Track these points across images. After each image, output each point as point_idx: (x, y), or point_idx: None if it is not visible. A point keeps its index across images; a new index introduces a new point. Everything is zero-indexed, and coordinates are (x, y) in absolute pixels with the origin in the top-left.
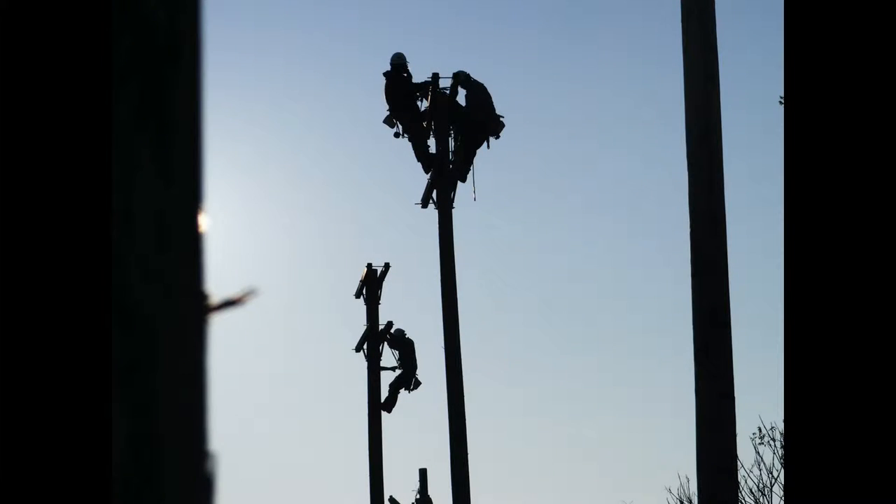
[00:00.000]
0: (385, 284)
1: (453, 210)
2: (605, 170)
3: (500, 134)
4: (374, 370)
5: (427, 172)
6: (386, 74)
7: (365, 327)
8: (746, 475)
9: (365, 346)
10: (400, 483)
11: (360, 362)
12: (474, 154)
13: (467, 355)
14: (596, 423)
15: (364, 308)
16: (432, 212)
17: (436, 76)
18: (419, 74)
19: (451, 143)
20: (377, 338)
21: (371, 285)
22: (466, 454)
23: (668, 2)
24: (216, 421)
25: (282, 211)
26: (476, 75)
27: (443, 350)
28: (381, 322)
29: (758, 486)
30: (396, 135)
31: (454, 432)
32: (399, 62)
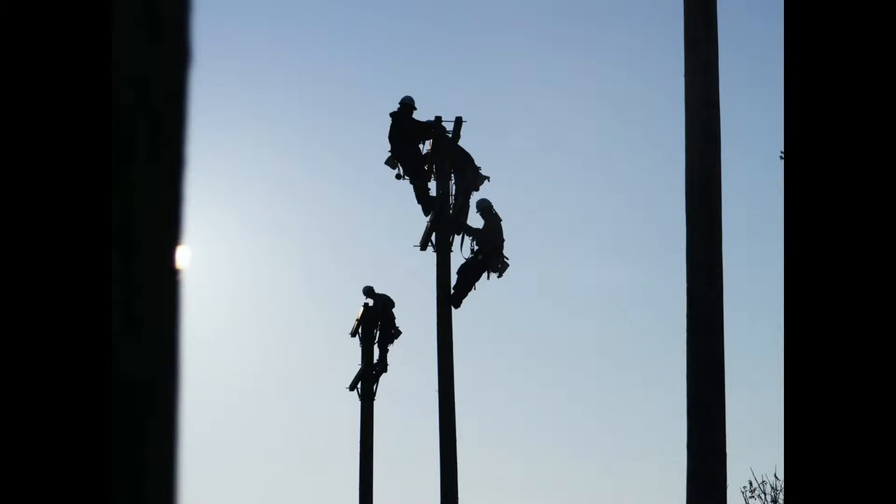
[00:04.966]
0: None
1: (451, 253)
2: (604, 187)
3: (503, 274)
4: (368, 408)
5: (427, 215)
6: (392, 115)
7: (359, 367)
8: None
9: (359, 386)
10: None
11: (354, 401)
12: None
13: (462, 362)
14: (596, 423)
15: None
16: (431, 254)
17: (438, 119)
18: (422, 115)
19: (452, 187)
20: (371, 377)
21: (367, 325)
22: (455, 460)
23: (673, 58)
24: (214, 430)
25: (279, 251)
26: (476, 104)
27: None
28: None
29: None
30: (398, 176)
31: (444, 430)
32: (407, 103)
